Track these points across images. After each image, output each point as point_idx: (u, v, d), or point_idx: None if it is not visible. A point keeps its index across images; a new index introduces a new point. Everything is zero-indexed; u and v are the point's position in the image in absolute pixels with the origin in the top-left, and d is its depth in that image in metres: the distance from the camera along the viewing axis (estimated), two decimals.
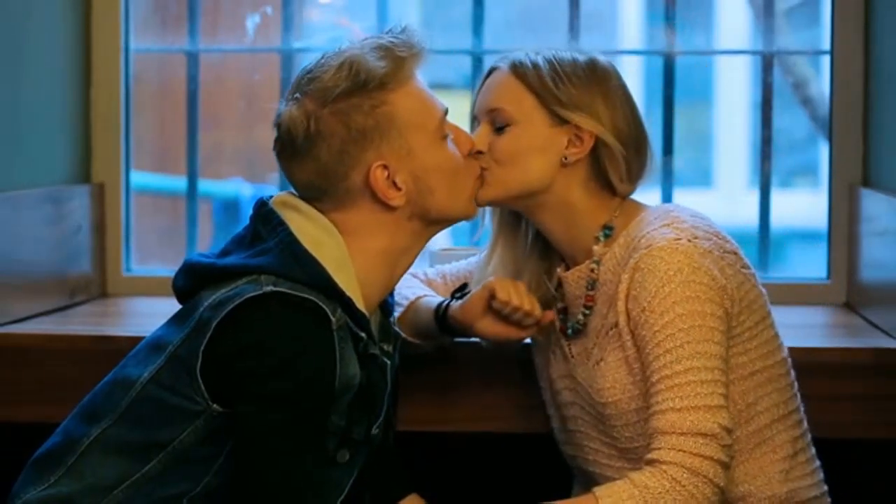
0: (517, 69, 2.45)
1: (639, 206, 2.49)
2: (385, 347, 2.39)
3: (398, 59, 2.30)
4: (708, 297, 2.32)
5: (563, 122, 2.43)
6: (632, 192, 2.48)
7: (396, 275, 2.37)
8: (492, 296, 2.47)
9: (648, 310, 2.33)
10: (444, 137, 2.35)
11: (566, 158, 2.44)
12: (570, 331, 2.50)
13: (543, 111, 2.43)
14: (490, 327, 2.51)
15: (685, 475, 2.25)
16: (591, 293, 2.46)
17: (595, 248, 2.45)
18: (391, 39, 2.32)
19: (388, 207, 2.31)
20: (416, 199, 2.32)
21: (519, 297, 2.47)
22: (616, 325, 2.39)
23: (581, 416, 2.50)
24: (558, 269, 2.53)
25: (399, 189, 2.30)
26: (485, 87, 2.49)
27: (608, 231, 2.45)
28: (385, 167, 2.29)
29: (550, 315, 2.50)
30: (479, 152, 2.43)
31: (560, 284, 2.52)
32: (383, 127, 2.29)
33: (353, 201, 2.31)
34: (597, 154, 2.44)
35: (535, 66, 2.44)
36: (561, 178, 2.44)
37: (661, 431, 2.28)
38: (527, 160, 2.43)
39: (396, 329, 2.47)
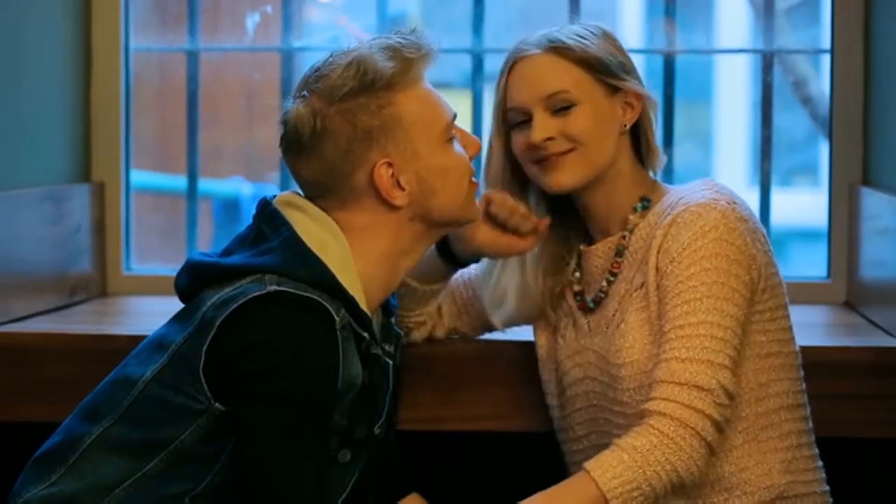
0: (561, 50, 2.43)
1: (668, 186, 2.51)
2: (387, 348, 2.39)
3: (406, 59, 2.29)
4: (737, 259, 2.33)
5: (615, 90, 2.44)
6: (659, 160, 2.49)
7: (397, 276, 2.37)
8: (489, 202, 2.48)
9: (677, 261, 2.34)
10: (451, 140, 2.35)
11: (625, 126, 2.45)
12: (591, 304, 2.50)
13: (599, 84, 2.43)
14: (489, 236, 2.50)
15: (671, 427, 2.25)
16: (618, 260, 2.46)
17: (631, 217, 2.46)
18: (400, 40, 2.31)
19: (392, 207, 2.30)
20: (420, 200, 2.31)
21: (514, 203, 2.48)
22: (642, 285, 2.40)
23: (592, 389, 2.49)
24: (581, 246, 2.53)
25: (402, 189, 2.30)
26: (523, 77, 2.45)
27: (646, 203, 2.46)
28: (389, 165, 2.29)
29: (546, 221, 2.50)
30: (550, 139, 2.41)
31: (578, 262, 2.52)
32: (389, 127, 2.29)
33: (357, 200, 2.31)
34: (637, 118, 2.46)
35: (577, 42, 2.43)
36: (619, 148, 2.45)
37: (660, 380, 2.29)
38: (603, 136, 2.43)
39: (398, 329, 2.47)
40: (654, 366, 2.31)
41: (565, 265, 2.55)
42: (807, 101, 3.76)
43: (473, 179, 2.37)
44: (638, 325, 2.40)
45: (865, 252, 3.30)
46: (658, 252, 2.37)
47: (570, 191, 2.45)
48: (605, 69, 2.43)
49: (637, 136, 2.49)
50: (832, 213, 3.48)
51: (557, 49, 2.43)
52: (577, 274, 2.54)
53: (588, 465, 2.27)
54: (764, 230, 2.45)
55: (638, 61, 2.51)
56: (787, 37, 3.67)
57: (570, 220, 2.55)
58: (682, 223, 2.36)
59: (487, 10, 3.52)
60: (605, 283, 2.48)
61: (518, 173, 2.51)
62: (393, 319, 2.45)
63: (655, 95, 2.50)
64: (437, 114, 2.32)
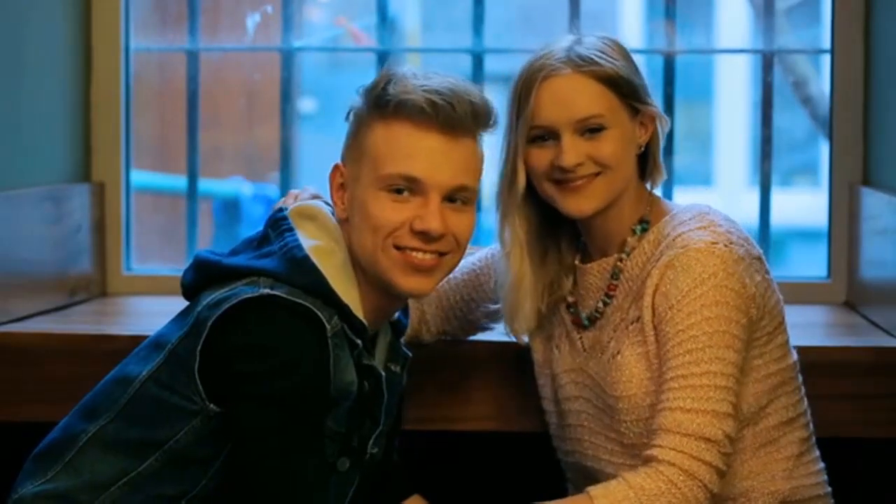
0: (596, 71, 2.38)
1: (666, 204, 2.48)
2: (393, 367, 2.40)
3: (398, 95, 2.25)
4: (736, 304, 2.32)
5: (636, 112, 2.41)
6: (662, 178, 2.47)
7: (382, 299, 2.32)
8: None
9: (676, 308, 2.32)
10: (391, 192, 2.26)
11: (640, 147, 2.43)
12: (586, 321, 2.49)
13: (625, 107, 2.40)
14: None
15: (681, 477, 2.25)
16: (614, 282, 2.45)
17: (629, 239, 2.44)
18: (435, 84, 2.25)
19: (340, 218, 2.32)
20: (350, 223, 2.30)
21: None
22: (638, 319, 2.39)
23: (585, 410, 2.49)
24: (576, 262, 2.52)
25: (342, 203, 2.31)
26: (554, 97, 2.38)
27: (645, 225, 2.44)
28: (342, 174, 2.31)
29: None
30: (579, 164, 2.37)
31: (574, 277, 2.51)
32: (357, 140, 2.30)
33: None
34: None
35: (608, 62, 2.38)
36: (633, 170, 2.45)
37: (666, 429, 2.28)
38: (627, 159, 2.41)
39: (406, 350, 2.46)
40: (658, 412, 2.31)
41: (560, 283, 2.53)
42: (807, 101, 3.76)
43: (401, 248, 2.26)
44: (635, 359, 2.39)
45: (865, 252, 3.30)
46: (655, 292, 2.36)
47: (593, 214, 2.41)
48: (634, 92, 2.39)
49: (643, 154, 2.46)
50: (832, 213, 3.48)
51: (592, 71, 2.38)
52: (571, 291, 2.53)
53: (593, 491, 2.27)
54: (761, 253, 2.43)
55: (638, 61, 2.49)
56: (787, 37, 3.67)
57: (562, 234, 2.52)
58: (681, 267, 2.33)
59: (487, 10, 3.51)
60: (600, 304, 2.47)
61: (527, 189, 2.46)
62: (402, 339, 2.45)
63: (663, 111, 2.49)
64: (389, 159, 2.26)
